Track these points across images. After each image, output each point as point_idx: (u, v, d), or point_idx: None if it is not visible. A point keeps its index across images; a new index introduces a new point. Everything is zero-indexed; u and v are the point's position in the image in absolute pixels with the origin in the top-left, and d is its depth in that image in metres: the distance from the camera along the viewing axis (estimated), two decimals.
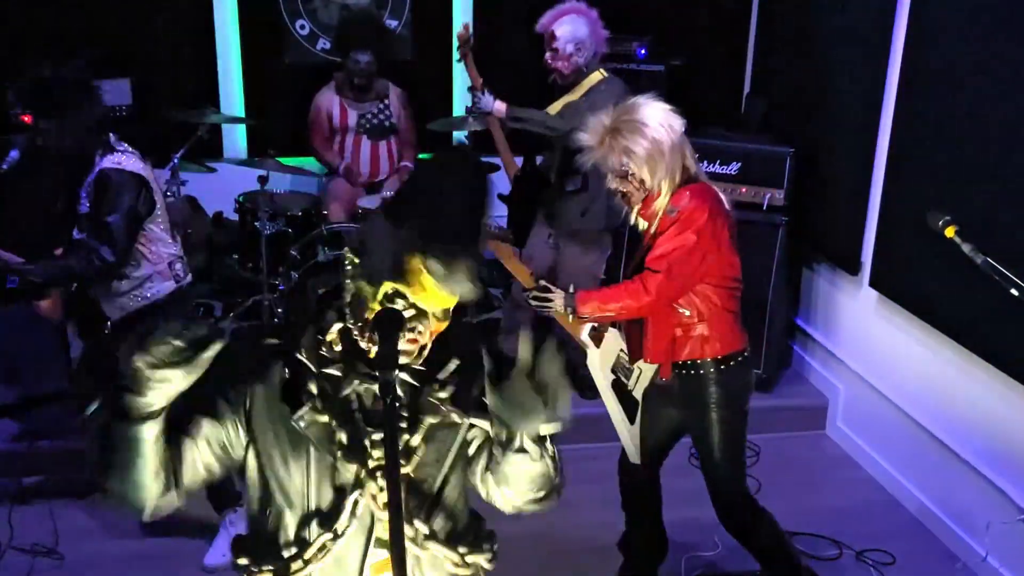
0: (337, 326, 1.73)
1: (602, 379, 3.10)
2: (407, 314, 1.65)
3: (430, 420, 1.74)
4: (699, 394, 3.01)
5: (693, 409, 3.05)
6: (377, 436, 1.69)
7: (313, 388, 1.69)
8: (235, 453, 1.74)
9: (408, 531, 1.71)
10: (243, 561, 1.77)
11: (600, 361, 3.10)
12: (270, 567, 1.74)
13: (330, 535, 1.71)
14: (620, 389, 3.12)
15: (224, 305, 5.13)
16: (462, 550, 1.79)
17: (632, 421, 3.14)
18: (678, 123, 2.91)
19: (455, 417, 1.76)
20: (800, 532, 3.73)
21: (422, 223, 1.62)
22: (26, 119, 4.84)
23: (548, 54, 4.17)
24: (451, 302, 1.67)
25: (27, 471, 3.91)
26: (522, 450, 1.65)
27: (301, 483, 1.72)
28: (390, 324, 1.61)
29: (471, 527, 1.85)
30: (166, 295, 3.45)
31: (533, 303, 3.06)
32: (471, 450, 1.81)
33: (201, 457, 1.71)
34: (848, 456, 4.47)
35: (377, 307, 1.65)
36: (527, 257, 4.61)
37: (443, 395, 1.75)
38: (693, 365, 2.99)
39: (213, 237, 5.38)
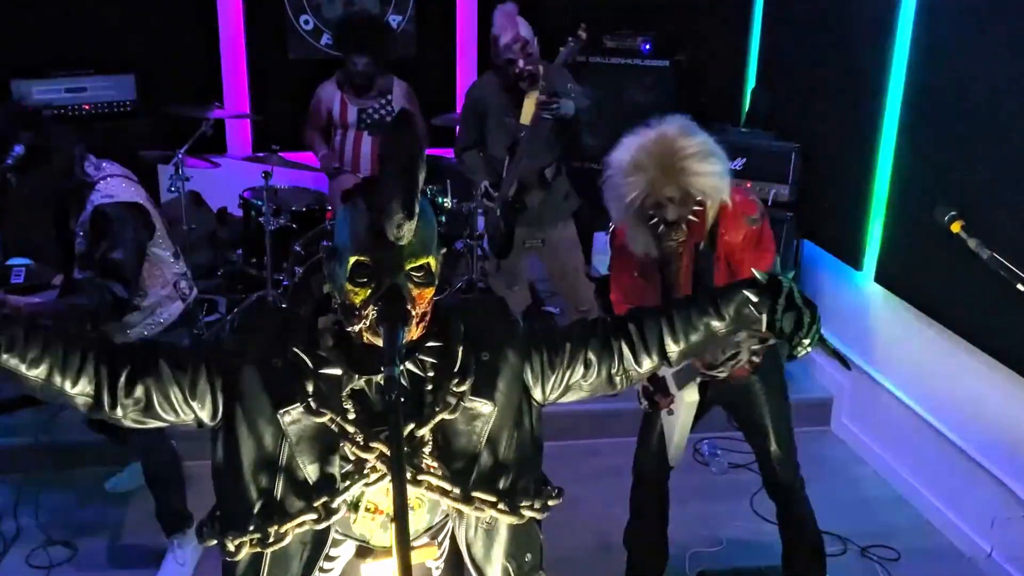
0: (325, 319, 1.71)
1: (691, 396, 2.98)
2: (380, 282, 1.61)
3: (444, 416, 1.69)
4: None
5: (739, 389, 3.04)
6: (380, 432, 1.66)
7: (309, 387, 1.66)
8: (182, 411, 1.68)
9: (445, 486, 1.69)
10: (213, 541, 1.72)
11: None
12: (251, 536, 1.68)
13: (313, 515, 1.67)
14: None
15: (228, 301, 5.13)
16: (499, 494, 1.73)
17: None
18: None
19: (480, 408, 1.71)
20: None
21: (371, 191, 1.62)
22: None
23: (523, 61, 4.05)
24: (421, 260, 1.63)
25: (34, 466, 3.92)
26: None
27: (277, 472, 1.68)
28: (393, 318, 1.58)
29: (522, 477, 1.78)
30: (177, 316, 3.35)
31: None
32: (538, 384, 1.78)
33: (158, 389, 1.67)
34: (853, 452, 4.46)
35: (351, 286, 1.61)
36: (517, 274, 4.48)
37: (463, 388, 1.70)
38: None
39: (217, 233, 5.39)
